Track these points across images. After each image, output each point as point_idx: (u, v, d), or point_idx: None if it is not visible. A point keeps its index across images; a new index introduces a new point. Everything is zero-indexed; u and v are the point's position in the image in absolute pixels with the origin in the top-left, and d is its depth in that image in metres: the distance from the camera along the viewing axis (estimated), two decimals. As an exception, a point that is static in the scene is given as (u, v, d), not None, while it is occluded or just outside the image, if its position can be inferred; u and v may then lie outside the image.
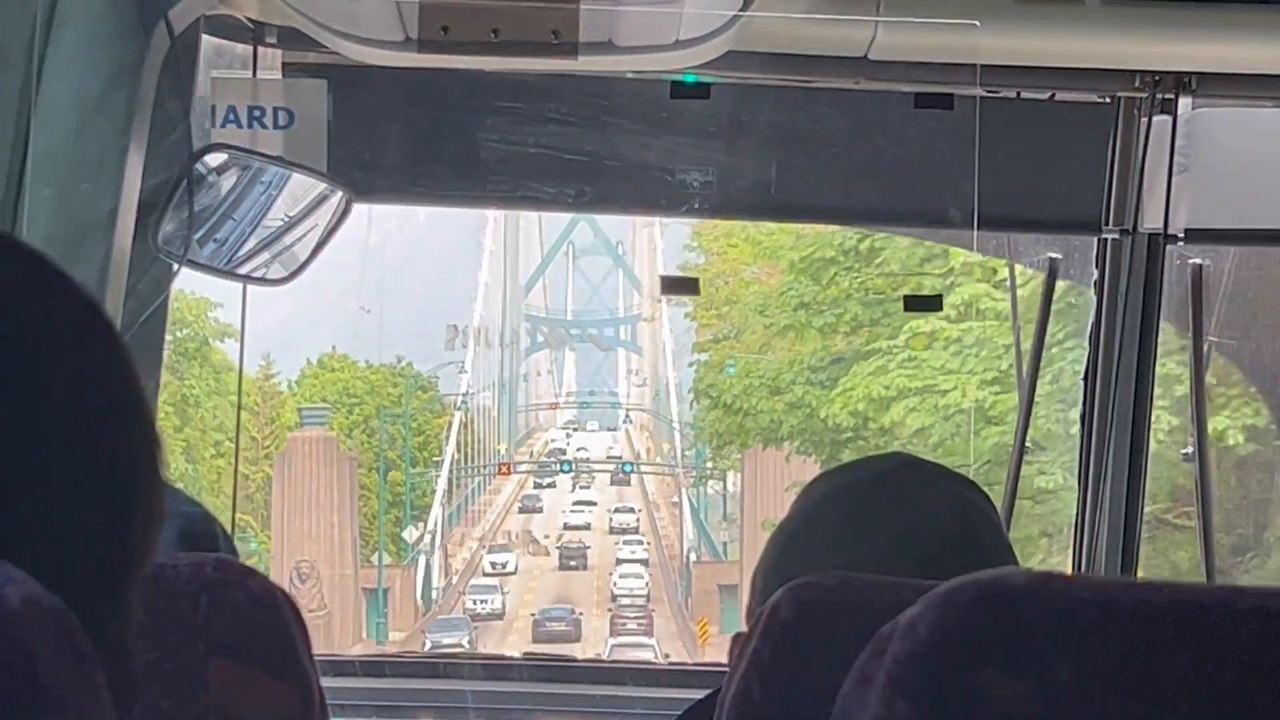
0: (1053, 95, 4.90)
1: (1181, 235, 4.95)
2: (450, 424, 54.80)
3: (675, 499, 57.37)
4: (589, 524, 58.62)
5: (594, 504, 60.88)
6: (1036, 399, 5.42)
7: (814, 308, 30.88)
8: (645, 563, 53.16)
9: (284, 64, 4.65)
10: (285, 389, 51.03)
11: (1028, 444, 5.44)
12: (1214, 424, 18.85)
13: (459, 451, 55.32)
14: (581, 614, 46.96)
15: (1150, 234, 4.98)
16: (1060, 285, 5.40)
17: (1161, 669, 1.41)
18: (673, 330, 63.88)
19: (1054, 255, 5.36)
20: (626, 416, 75.46)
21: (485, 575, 51.48)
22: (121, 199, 3.95)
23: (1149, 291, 5.03)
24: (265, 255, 4.47)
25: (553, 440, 74.30)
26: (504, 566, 52.44)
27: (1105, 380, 5.12)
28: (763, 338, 35.49)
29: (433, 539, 49.32)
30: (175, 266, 4.21)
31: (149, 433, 1.41)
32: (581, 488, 62.97)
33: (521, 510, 60.73)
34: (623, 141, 5.00)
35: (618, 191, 5.15)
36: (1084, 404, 5.23)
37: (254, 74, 4.56)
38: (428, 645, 39.90)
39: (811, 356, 32.07)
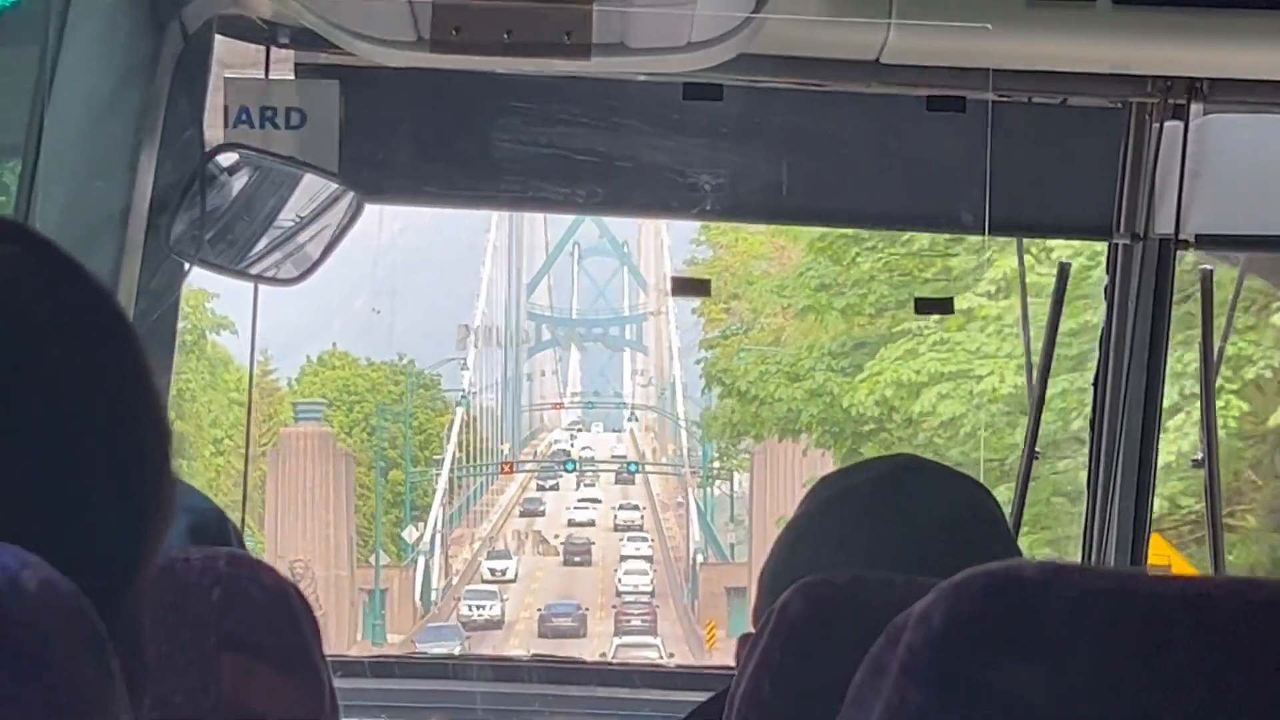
0: (1064, 100, 4.90)
1: (1193, 240, 4.95)
2: (451, 422, 54.64)
3: (681, 499, 57.33)
4: (593, 520, 58.62)
5: (599, 501, 60.91)
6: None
7: (835, 289, 28.76)
8: (650, 559, 53.18)
9: (296, 64, 4.65)
10: (285, 386, 50.93)
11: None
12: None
13: (461, 450, 55.15)
14: (587, 610, 46.95)
15: (1161, 239, 4.98)
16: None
17: (1174, 659, 1.41)
18: (679, 327, 63.78)
19: (1064, 261, 5.36)
20: (632, 415, 75.38)
21: (484, 581, 51.26)
22: (134, 197, 3.96)
23: (1160, 296, 5.03)
24: (277, 255, 4.48)
25: (557, 441, 74.25)
26: (503, 573, 52.09)
27: (1115, 384, 5.12)
28: (773, 333, 34.61)
29: (433, 539, 49.15)
30: (187, 265, 4.21)
31: (160, 422, 1.42)
32: (586, 485, 62.99)
33: (523, 514, 60.63)
34: (634, 143, 5.00)
35: (629, 193, 5.14)
36: (1094, 408, 5.24)
37: (266, 74, 4.57)
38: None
39: (833, 341, 29.89)
